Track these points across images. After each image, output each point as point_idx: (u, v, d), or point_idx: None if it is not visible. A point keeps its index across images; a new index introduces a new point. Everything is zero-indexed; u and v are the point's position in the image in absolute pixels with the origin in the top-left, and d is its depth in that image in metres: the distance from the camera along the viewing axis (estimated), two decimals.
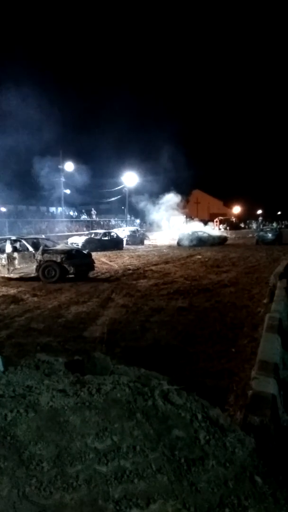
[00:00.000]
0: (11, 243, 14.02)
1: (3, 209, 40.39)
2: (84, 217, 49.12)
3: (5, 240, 14.54)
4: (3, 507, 1.85)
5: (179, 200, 39.07)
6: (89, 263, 14.30)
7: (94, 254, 22.76)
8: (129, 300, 9.47)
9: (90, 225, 39.74)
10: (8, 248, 13.82)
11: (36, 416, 2.30)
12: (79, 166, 42.44)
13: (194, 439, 2.39)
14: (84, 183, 44.09)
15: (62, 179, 41.08)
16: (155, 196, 39.74)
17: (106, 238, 27.75)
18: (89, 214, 49.79)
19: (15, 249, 13.93)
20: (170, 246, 30.46)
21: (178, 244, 30.74)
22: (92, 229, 34.49)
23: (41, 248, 13.50)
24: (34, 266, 13.21)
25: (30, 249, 13.63)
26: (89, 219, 46.07)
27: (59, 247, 14.57)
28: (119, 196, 47.68)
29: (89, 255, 14.62)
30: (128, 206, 46.62)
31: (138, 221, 46.31)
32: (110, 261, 19.39)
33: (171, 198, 38.22)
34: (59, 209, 46.59)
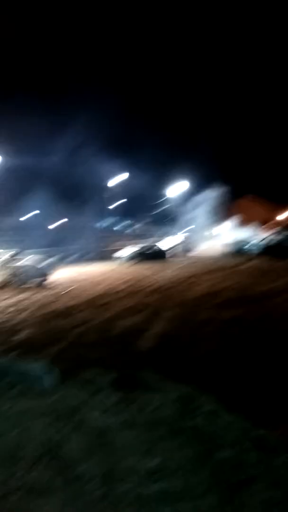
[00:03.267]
0: None
1: (60, 224, 41.87)
2: (136, 226, 49.69)
3: None
4: None
5: (226, 208, 38.47)
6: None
7: (138, 267, 22.97)
8: (181, 310, 9.43)
9: (142, 235, 40.07)
10: None
11: (85, 433, 2.36)
12: (130, 177, 43.14)
13: (244, 458, 2.35)
14: (130, 196, 44.71)
15: (114, 193, 41.86)
16: (200, 206, 39.42)
17: (150, 251, 27.85)
18: (141, 223, 50.29)
19: None
20: (216, 256, 29.96)
21: (225, 253, 29.93)
22: (144, 239, 34.73)
23: None
24: None
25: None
26: (141, 228, 46.51)
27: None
28: (170, 204, 47.79)
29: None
30: (179, 214, 46.56)
31: (189, 228, 46.08)
32: (155, 274, 19.38)
33: (218, 206, 37.69)
34: (112, 220, 47.51)
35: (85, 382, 3.19)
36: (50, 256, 26.64)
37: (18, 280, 15.95)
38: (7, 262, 16.90)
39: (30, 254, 24.17)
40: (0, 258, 17.01)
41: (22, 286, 15.64)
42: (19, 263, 16.91)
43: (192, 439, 2.34)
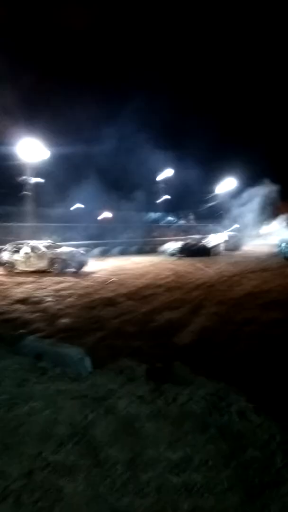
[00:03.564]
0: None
1: (108, 215, 42.54)
2: (182, 222, 49.52)
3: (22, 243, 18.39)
4: (78, 502, 2.00)
5: (275, 207, 37.35)
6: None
7: (183, 262, 22.88)
8: (222, 308, 9.33)
9: (187, 230, 39.90)
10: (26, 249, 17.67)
11: (114, 419, 2.43)
12: (178, 171, 43.02)
13: (270, 461, 2.32)
14: (183, 188, 44.52)
15: (162, 186, 41.94)
16: (248, 204, 38.56)
17: (195, 246, 27.57)
18: (187, 219, 50.05)
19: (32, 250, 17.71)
20: (269, 253, 29.21)
21: (272, 253, 28.76)
22: (189, 235, 34.54)
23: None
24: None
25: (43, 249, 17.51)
26: (186, 224, 46.35)
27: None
28: (217, 201, 47.14)
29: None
30: (226, 211, 45.87)
31: (236, 226, 45.25)
32: (198, 270, 19.23)
33: (267, 205, 36.65)
34: (154, 214, 47.65)
35: (119, 371, 3.27)
36: (95, 247, 27.21)
37: (57, 268, 17.07)
38: (46, 250, 17.92)
39: (76, 245, 24.88)
40: (40, 247, 18.04)
41: (61, 274, 16.67)
42: (58, 251, 17.93)
43: (218, 436, 2.34)
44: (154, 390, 2.80)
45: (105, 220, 41.36)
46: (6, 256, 18.27)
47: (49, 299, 11.08)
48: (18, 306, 10.22)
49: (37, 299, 11.11)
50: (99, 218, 41.81)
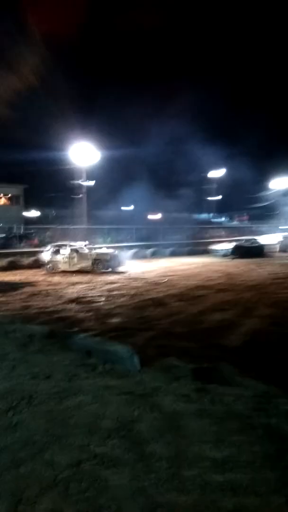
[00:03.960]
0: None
1: (157, 217, 42.75)
2: (234, 222, 48.67)
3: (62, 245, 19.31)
4: (123, 494, 2.05)
5: None
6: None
7: (235, 262, 22.43)
8: (274, 311, 9.09)
9: (239, 230, 39.16)
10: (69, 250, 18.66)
11: (159, 416, 2.47)
12: (230, 170, 42.39)
13: None
14: (236, 187, 43.79)
15: (213, 186, 41.50)
16: None
17: (248, 246, 26.93)
18: (232, 220, 49.13)
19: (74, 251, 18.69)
20: None
21: None
22: (241, 235, 33.90)
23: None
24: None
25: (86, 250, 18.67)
26: (239, 224, 45.50)
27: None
28: (272, 201, 45.84)
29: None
30: (281, 211, 44.48)
31: (284, 227, 43.74)
32: (251, 270, 18.77)
33: None
34: (203, 215, 47.20)
35: (166, 369, 3.30)
36: (146, 248, 27.44)
37: (99, 268, 18.05)
38: (88, 251, 19.00)
39: (128, 246, 25.35)
40: (84, 248, 19.15)
41: (103, 273, 17.62)
42: (100, 252, 18.94)
43: (264, 438, 2.30)
44: (200, 390, 2.80)
45: (156, 221, 41.60)
46: (47, 256, 19.28)
47: (101, 299, 11.34)
48: (72, 305, 10.56)
49: (89, 298, 11.41)
50: (150, 219, 42.14)
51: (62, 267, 18.74)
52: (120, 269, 18.57)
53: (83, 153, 28.53)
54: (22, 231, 27.80)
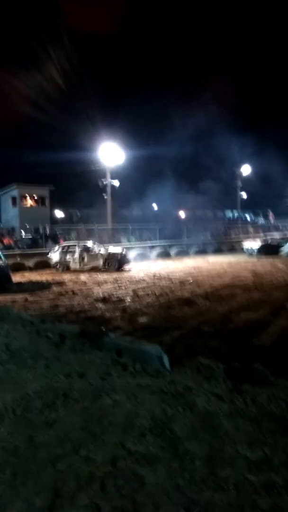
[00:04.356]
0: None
1: (184, 214, 42.64)
2: (261, 220, 47.98)
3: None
4: (159, 492, 2.08)
5: None
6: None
7: (267, 260, 22.10)
8: None
9: (266, 228, 38.59)
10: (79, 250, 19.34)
11: (192, 416, 2.49)
12: (256, 167, 41.86)
13: None
14: (262, 186, 43.19)
15: (239, 184, 41.06)
16: None
17: (280, 244, 26.44)
18: (266, 217, 48.40)
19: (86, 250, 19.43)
20: None
21: None
22: (268, 233, 33.39)
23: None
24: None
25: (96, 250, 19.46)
26: (265, 222, 44.83)
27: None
28: None
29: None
30: None
31: None
32: (284, 268, 18.46)
33: None
34: (235, 213, 46.70)
35: (197, 369, 3.31)
36: (171, 247, 27.43)
37: (110, 266, 18.83)
38: (99, 251, 19.79)
39: (152, 245, 25.51)
40: (94, 248, 19.95)
41: (114, 271, 18.46)
42: (110, 251, 19.53)
43: None
44: (232, 390, 2.80)
45: (181, 219, 41.50)
46: (56, 257, 19.77)
47: (128, 298, 11.42)
48: (99, 304, 10.68)
49: (116, 298, 11.51)
50: (177, 217, 42.06)
51: (73, 266, 19.33)
52: (128, 267, 19.49)
53: (108, 153, 28.74)
54: (48, 231, 28.25)
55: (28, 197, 36.47)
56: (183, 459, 2.21)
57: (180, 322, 8.36)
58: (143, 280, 15.49)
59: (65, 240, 25.71)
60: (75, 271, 19.09)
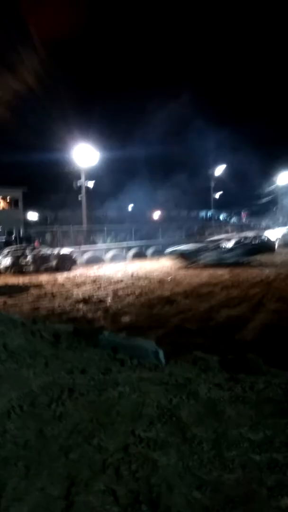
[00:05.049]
0: None
1: (158, 215, 42.99)
2: (233, 220, 48.94)
3: None
4: (172, 473, 2.23)
5: None
6: None
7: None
8: (282, 306, 9.28)
9: (239, 228, 39.40)
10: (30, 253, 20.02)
11: (196, 403, 2.64)
12: (227, 168, 42.72)
13: None
14: (234, 186, 44.10)
15: (212, 184, 41.76)
16: None
17: (256, 241, 27.04)
18: (238, 216, 49.42)
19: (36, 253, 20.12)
20: None
21: None
22: (242, 232, 34.07)
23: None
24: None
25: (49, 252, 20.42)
26: (238, 222, 45.77)
27: None
28: (270, 197, 46.12)
29: None
30: (280, 207, 44.80)
31: None
32: (261, 265, 18.99)
33: None
34: (209, 213, 47.44)
35: (193, 362, 3.48)
36: (148, 247, 27.61)
37: (64, 267, 19.78)
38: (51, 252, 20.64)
39: (128, 245, 25.71)
40: (45, 250, 20.72)
41: (66, 271, 19.32)
42: (62, 253, 20.62)
43: None
44: (230, 379, 2.98)
45: (156, 219, 41.84)
46: (6, 261, 20.22)
47: (108, 299, 11.50)
48: (80, 305, 10.72)
49: (97, 299, 11.57)
50: (152, 217, 42.36)
51: (27, 269, 19.86)
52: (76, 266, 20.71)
53: (82, 154, 28.67)
54: (21, 234, 27.91)
55: (0, 199, 35.89)
56: (191, 443, 2.37)
57: (162, 320, 8.52)
58: (122, 280, 15.59)
59: (40, 242, 25.48)
60: (29, 273, 19.57)
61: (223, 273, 16.18)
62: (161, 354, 3.80)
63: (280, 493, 2.18)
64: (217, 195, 45.21)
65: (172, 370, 3.29)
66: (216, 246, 20.24)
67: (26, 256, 20.02)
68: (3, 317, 5.19)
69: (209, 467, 2.29)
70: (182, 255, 20.36)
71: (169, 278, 15.33)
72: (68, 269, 19.86)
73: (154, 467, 2.25)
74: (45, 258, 20.20)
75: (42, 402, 2.96)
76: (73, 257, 20.84)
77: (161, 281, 14.51)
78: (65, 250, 21.20)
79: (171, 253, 21.26)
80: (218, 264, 18.93)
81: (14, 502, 2.27)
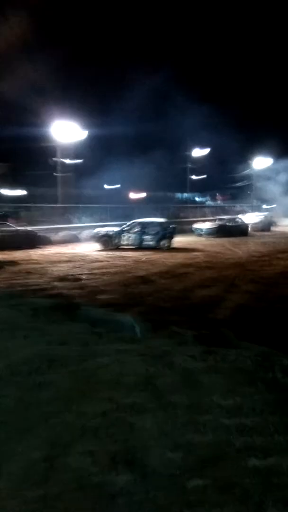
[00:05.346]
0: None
1: (139, 196, 42.84)
2: (209, 202, 49.34)
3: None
4: (147, 436, 2.37)
5: None
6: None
7: (220, 240, 23.01)
8: (254, 287, 9.56)
9: (214, 211, 39.82)
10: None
11: (171, 373, 2.79)
12: (205, 151, 42.82)
13: None
14: (210, 168, 44.30)
15: (189, 165, 41.83)
16: (285, 183, 38.14)
17: (231, 224, 27.50)
18: (214, 199, 49.83)
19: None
20: None
21: None
22: (216, 215, 34.47)
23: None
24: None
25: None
26: (214, 204, 46.20)
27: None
28: (245, 181, 46.63)
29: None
30: (255, 191, 45.42)
31: (264, 206, 44.83)
32: (234, 248, 19.35)
33: None
34: (185, 194, 47.63)
35: (169, 336, 3.62)
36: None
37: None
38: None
39: (104, 225, 25.70)
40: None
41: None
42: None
43: (264, 389, 2.66)
44: (204, 352, 3.14)
45: (137, 200, 41.71)
46: None
47: (84, 277, 11.54)
48: (56, 283, 10.72)
49: (72, 277, 11.59)
50: (128, 197, 42.18)
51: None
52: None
53: (64, 131, 28.15)
54: None
55: None
56: (167, 409, 2.52)
57: (138, 299, 8.63)
58: (97, 259, 15.61)
59: (15, 219, 25.07)
60: None
61: (197, 255, 16.42)
62: (137, 328, 3.93)
63: (247, 454, 2.37)
64: (200, 177, 45.42)
65: (149, 343, 3.43)
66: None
67: None
68: None
69: (182, 430, 2.44)
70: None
71: (143, 258, 15.45)
72: (32, 247, 19.36)
73: (131, 430, 2.39)
74: (13, 236, 19.67)
75: (23, 372, 3.05)
76: (37, 235, 20.45)
77: (136, 261, 14.63)
78: (30, 228, 20.82)
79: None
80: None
81: None
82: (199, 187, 48.27)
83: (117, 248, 18.84)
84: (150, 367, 2.86)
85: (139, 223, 19.55)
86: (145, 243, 18.71)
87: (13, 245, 19.49)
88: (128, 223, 19.84)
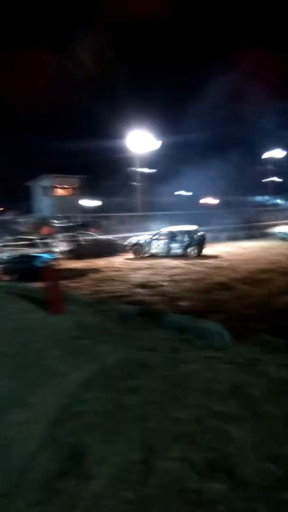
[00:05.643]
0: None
1: (213, 201, 42.40)
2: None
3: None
4: (245, 444, 2.34)
5: None
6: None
7: None
8: None
9: None
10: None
11: (266, 381, 2.72)
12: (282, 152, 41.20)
13: None
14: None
15: (270, 168, 40.51)
16: None
17: None
18: None
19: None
20: None
21: None
22: None
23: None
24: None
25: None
26: None
27: None
28: None
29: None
30: None
31: None
32: None
33: None
34: (264, 197, 46.08)
35: (258, 343, 3.54)
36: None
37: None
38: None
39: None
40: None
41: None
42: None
43: None
44: None
45: (211, 205, 41.28)
46: (64, 247, 20.16)
47: (165, 283, 11.66)
48: (138, 290, 10.97)
49: (154, 283, 11.76)
50: (204, 203, 41.85)
51: (81, 254, 19.66)
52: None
53: (139, 141, 28.91)
54: (80, 220, 28.71)
55: (59, 187, 37.06)
56: (263, 418, 2.46)
57: (221, 305, 8.53)
58: (177, 266, 15.69)
59: (97, 228, 26.12)
60: (84, 258, 20.35)
61: (280, 259, 15.79)
62: (226, 336, 3.89)
63: None
64: (274, 180, 43.80)
65: (239, 350, 3.38)
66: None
67: (81, 242, 20.50)
68: (73, 298, 5.49)
69: (282, 441, 2.38)
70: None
71: (225, 264, 15.21)
72: (112, 254, 19.85)
73: (228, 438, 2.37)
74: (98, 244, 20.51)
75: (117, 376, 3.17)
76: (117, 243, 20.86)
77: (217, 267, 14.47)
78: (111, 237, 21.46)
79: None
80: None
81: (96, 465, 2.49)
82: (274, 190, 46.41)
83: (150, 256, 18.82)
84: (242, 374, 2.82)
85: (168, 231, 19.28)
86: (172, 251, 18.55)
87: (94, 253, 20.35)
88: (158, 231, 19.77)
